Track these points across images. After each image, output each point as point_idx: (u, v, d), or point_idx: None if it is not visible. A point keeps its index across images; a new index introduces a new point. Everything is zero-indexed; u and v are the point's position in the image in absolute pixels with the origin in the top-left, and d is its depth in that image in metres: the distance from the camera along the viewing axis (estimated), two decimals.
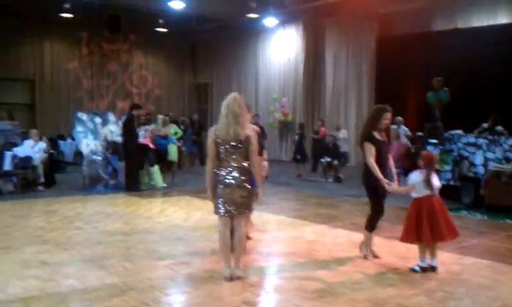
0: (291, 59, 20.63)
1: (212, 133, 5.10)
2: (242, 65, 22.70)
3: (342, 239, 7.18)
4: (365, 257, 6.15)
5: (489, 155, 10.61)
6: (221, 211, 5.08)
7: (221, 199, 5.07)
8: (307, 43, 20.09)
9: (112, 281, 5.08)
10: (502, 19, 14.83)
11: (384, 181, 5.82)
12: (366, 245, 6.23)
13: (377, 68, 18.18)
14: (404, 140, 12.71)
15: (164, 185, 12.15)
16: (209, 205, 9.32)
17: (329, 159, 14.54)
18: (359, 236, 6.78)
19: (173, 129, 13.28)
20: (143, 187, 11.60)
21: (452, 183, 10.98)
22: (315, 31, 19.99)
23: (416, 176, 5.66)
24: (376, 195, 5.98)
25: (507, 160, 10.36)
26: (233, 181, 5.04)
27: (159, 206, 9.71)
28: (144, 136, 11.82)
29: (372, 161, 5.89)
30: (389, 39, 17.10)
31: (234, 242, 5.18)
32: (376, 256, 6.19)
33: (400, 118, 13.29)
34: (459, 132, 11.49)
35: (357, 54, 18.81)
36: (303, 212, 9.39)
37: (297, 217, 8.73)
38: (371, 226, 6.14)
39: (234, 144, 5.02)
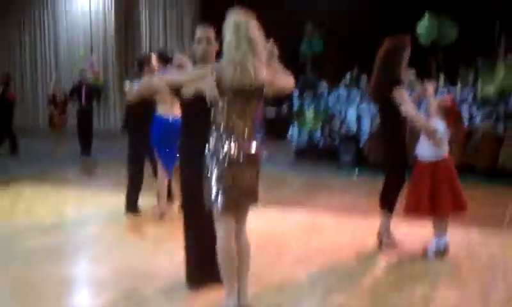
0: (99, 6, 17.80)
1: (210, 75, 3.24)
2: (35, 14, 18.93)
3: (316, 225, 5.79)
4: (392, 247, 4.81)
5: (363, 110, 10.22)
6: (223, 203, 3.25)
7: (220, 185, 3.25)
8: None
9: None
10: None
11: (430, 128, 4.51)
12: (387, 230, 4.85)
13: (201, 6, 16.54)
14: None
15: None
16: (73, 195, 7.42)
17: None
18: (321, 219, 5.79)
19: None
20: None
21: (322, 141, 10.40)
22: None
23: (440, 126, 4.54)
24: (401, 160, 4.75)
25: None
26: (241, 155, 3.27)
27: None
28: None
29: (412, 110, 4.54)
30: None
31: (240, 254, 3.39)
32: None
33: None
34: (324, 84, 10.89)
35: (178, 1, 16.99)
36: None
37: None
38: (389, 202, 4.80)
39: (251, 91, 3.25)
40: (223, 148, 3.24)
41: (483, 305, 3.64)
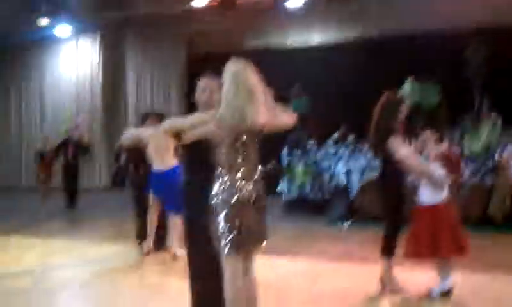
0: (86, 74, 18.10)
1: (211, 124, 3.31)
2: (22, 81, 19.08)
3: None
4: (396, 291, 4.77)
5: (352, 164, 10.31)
6: (232, 245, 3.25)
7: (228, 226, 3.24)
8: (106, 56, 17.86)
9: None
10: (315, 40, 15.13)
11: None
12: (389, 275, 4.81)
13: (188, 86, 17.00)
14: None
15: None
16: (61, 245, 7.36)
17: None
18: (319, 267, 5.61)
19: None
20: None
21: (311, 196, 10.42)
22: (115, 44, 17.88)
23: (439, 169, 4.58)
24: (399, 205, 4.72)
25: (372, 169, 10.20)
26: (246, 195, 3.28)
27: None
28: None
29: (408, 152, 4.56)
30: (201, 56, 16.08)
31: (248, 294, 3.34)
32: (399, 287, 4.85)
33: None
34: (312, 142, 11.04)
35: (164, 69, 17.40)
36: None
37: None
38: (390, 249, 4.76)
39: (251, 134, 3.31)
40: (229, 189, 3.26)
41: None
